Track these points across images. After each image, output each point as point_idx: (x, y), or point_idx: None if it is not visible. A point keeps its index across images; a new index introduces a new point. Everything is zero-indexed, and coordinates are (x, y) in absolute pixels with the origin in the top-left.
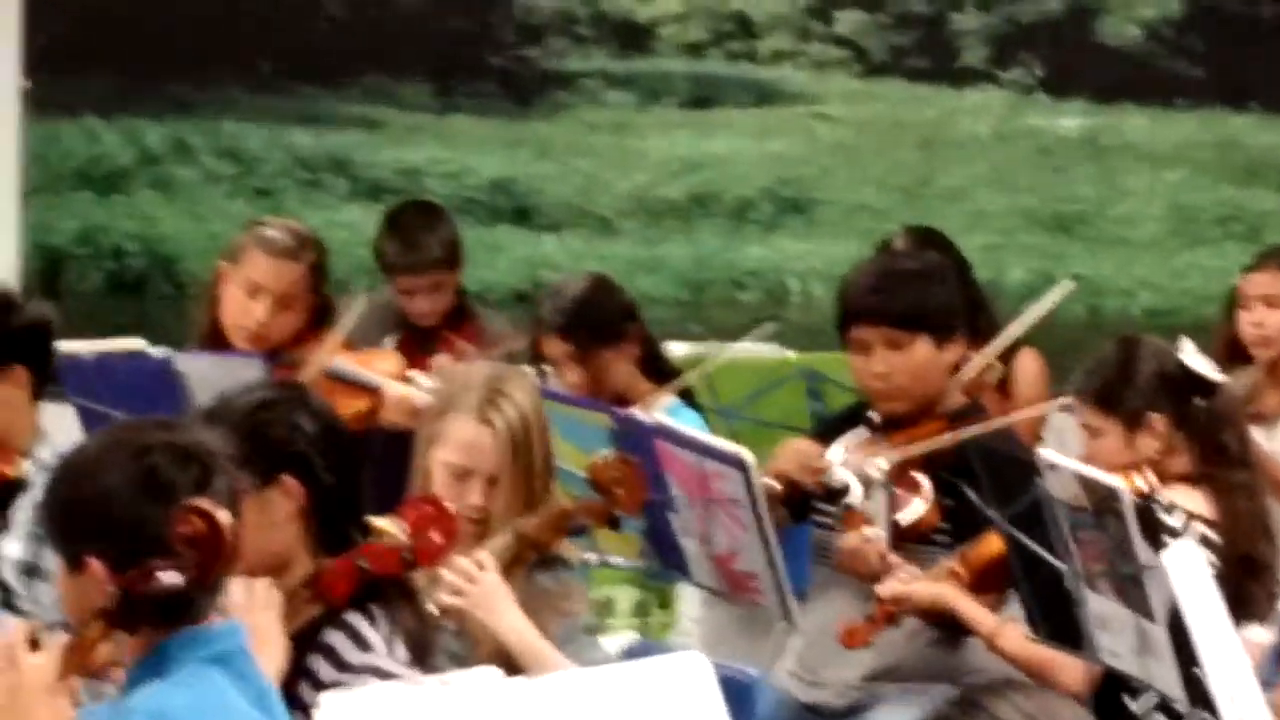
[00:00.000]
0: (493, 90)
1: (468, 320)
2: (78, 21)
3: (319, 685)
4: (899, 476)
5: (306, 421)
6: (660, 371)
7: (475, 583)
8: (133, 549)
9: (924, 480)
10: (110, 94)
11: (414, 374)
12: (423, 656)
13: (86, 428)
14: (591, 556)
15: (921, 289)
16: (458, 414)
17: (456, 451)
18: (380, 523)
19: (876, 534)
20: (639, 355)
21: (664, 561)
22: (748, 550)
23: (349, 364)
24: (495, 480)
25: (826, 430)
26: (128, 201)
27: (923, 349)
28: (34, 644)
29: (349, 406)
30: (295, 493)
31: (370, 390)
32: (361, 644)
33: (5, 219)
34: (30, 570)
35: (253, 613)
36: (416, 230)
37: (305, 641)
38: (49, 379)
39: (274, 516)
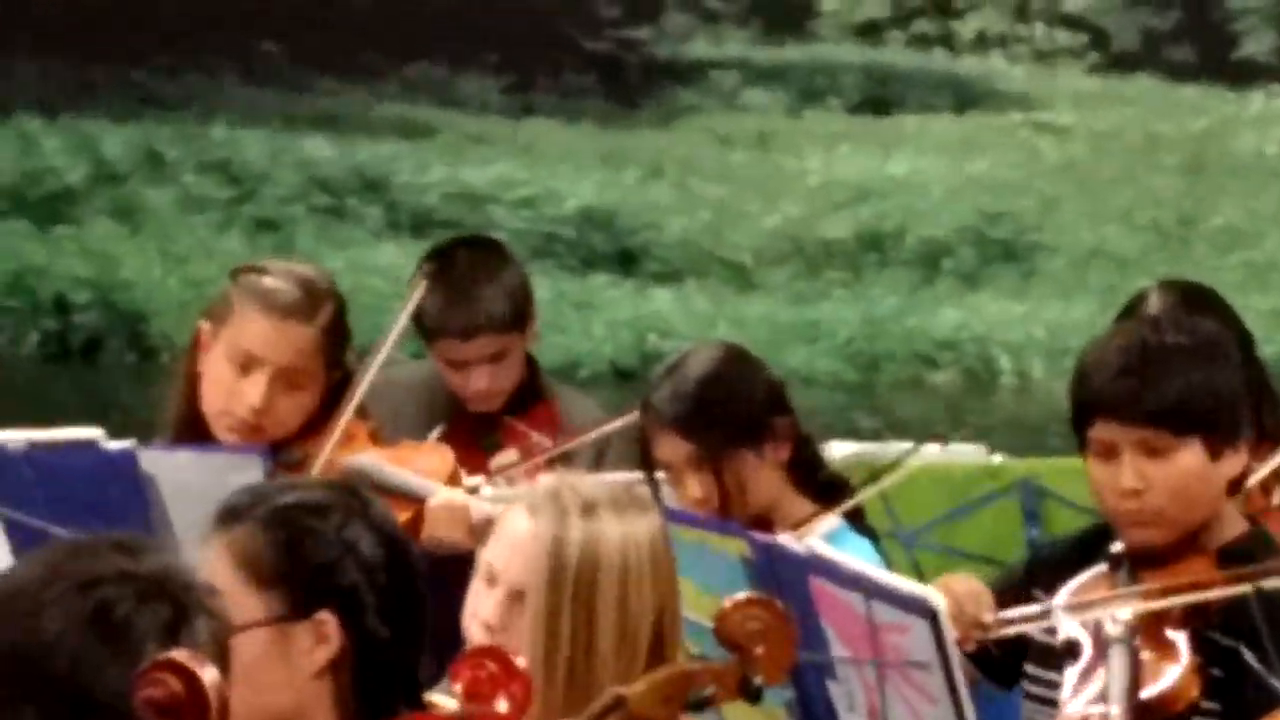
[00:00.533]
0: (587, 86)
1: (540, 403)
2: None
3: None
4: (1148, 633)
5: (366, 541)
6: (818, 483)
7: None
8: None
9: (1181, 640)
10: (54, 85)
11: (470, 479)
12: None
13: (16, 548)
14: None
15: (1193, 375)
16: (517, 508)
17: (493, 546)
18: (435, 698)
19: (1112, 713)
20: (788, 460)
21: None
22: None
23: (379, 462)
24: (520, 597)
25: (1045, 564)
26: (77, 234)
27: (1191, 458)
28: None
29: None
30: (331, 638)
31: (409, 498)
32: None
33: None
34: None
35: None
36: (470, 279)
37: None
38: None
39: (293, 665)
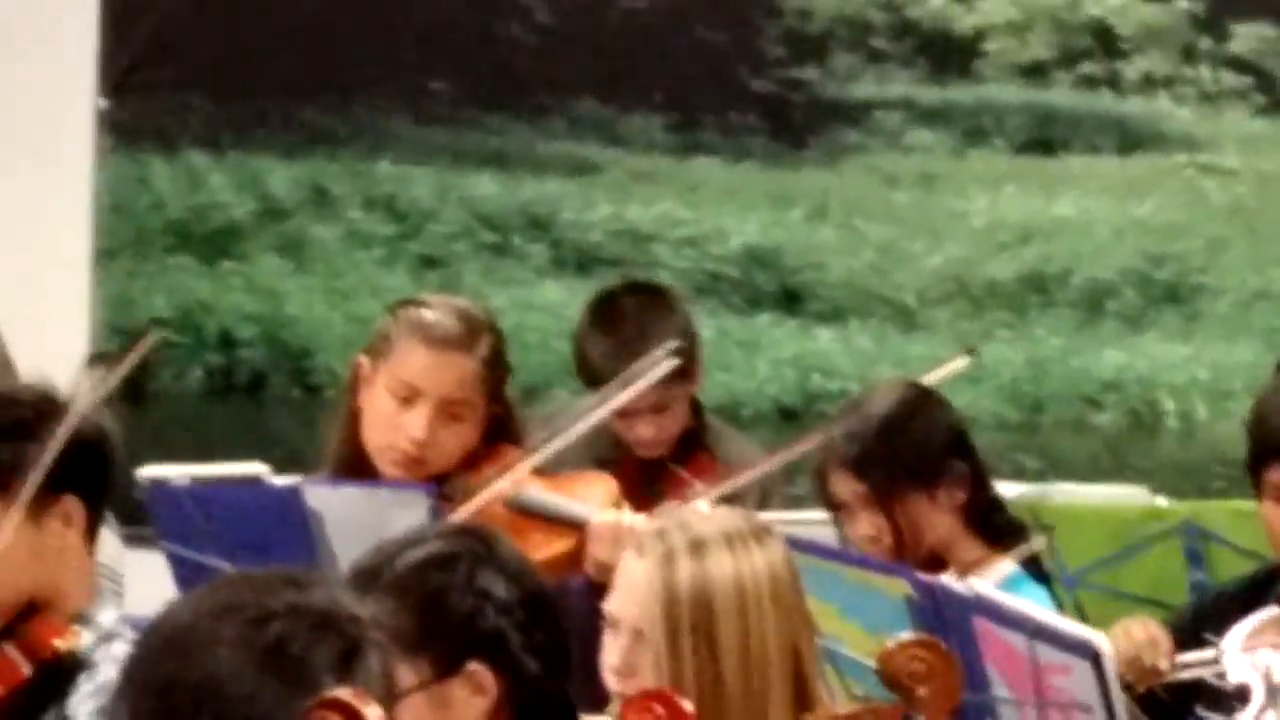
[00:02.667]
0: (752, 125)
1: (702, 450)
2: (176, 21)
3: None
4: None
5: (498, 585)
6: (995, 526)
7: None
8: None
9: None
10: (220, 120)
11: (633, 516)
12: None
13: (181, 583)
14: None
15: None
16: (631, 552)
17: (613, 594)
18: None
19: None
20: (965, 502)
21: None
22: None
23: (541, 490)
24: (641, 637)
25: (1214, 607)
26: (242, 269)
27: None
28: None
29: (544, 549)
30: (487, 685)
31: (572, 525)
32: None
33: (71, 288)
34: None
35: None
36: (636, 325)
37: None
38: (127, 515)
39: (457, 718)
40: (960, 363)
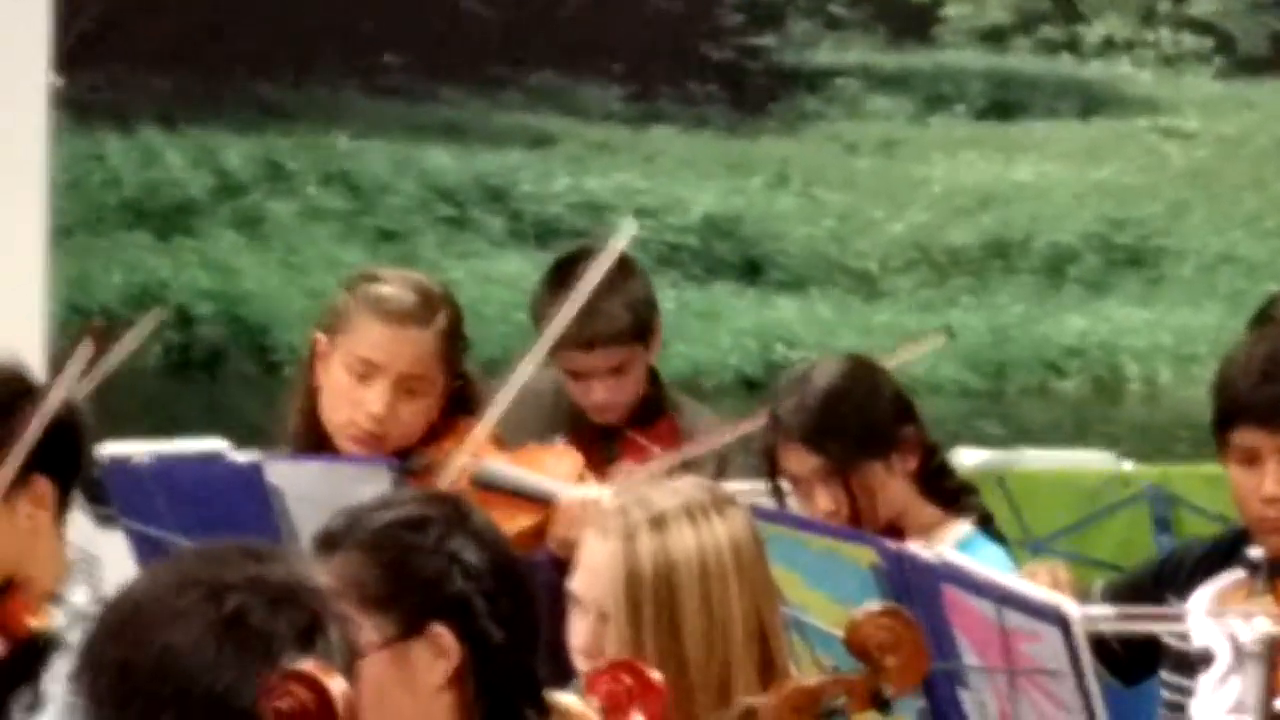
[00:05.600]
0: (710, 93)
1: (663, 417)
2: None
3: None
4: None
5: (468, 550)
6: (949, 492)
7: None
8: None
9: None
10: (175, 96)
11: (599, 487)
12: None
13: (142, 560)
14: None
15: None
16: (593, 530)
17: (576, 573)
18: (562, 699)
19: None
20: (916, 469)
21: None
22: None
23: (505, 465)
24: (606, 618)
25: (1178, 568)
26: (198, 246)
27: None
28: None
29: (509, 524)
30: (449, 649)
31: (537, 500)
32: None
33: (27, 267)
34: None
35: None
36: (594, 290)
37: None
38: (92, 494)
39: (417, 681)
40: (936, 340)
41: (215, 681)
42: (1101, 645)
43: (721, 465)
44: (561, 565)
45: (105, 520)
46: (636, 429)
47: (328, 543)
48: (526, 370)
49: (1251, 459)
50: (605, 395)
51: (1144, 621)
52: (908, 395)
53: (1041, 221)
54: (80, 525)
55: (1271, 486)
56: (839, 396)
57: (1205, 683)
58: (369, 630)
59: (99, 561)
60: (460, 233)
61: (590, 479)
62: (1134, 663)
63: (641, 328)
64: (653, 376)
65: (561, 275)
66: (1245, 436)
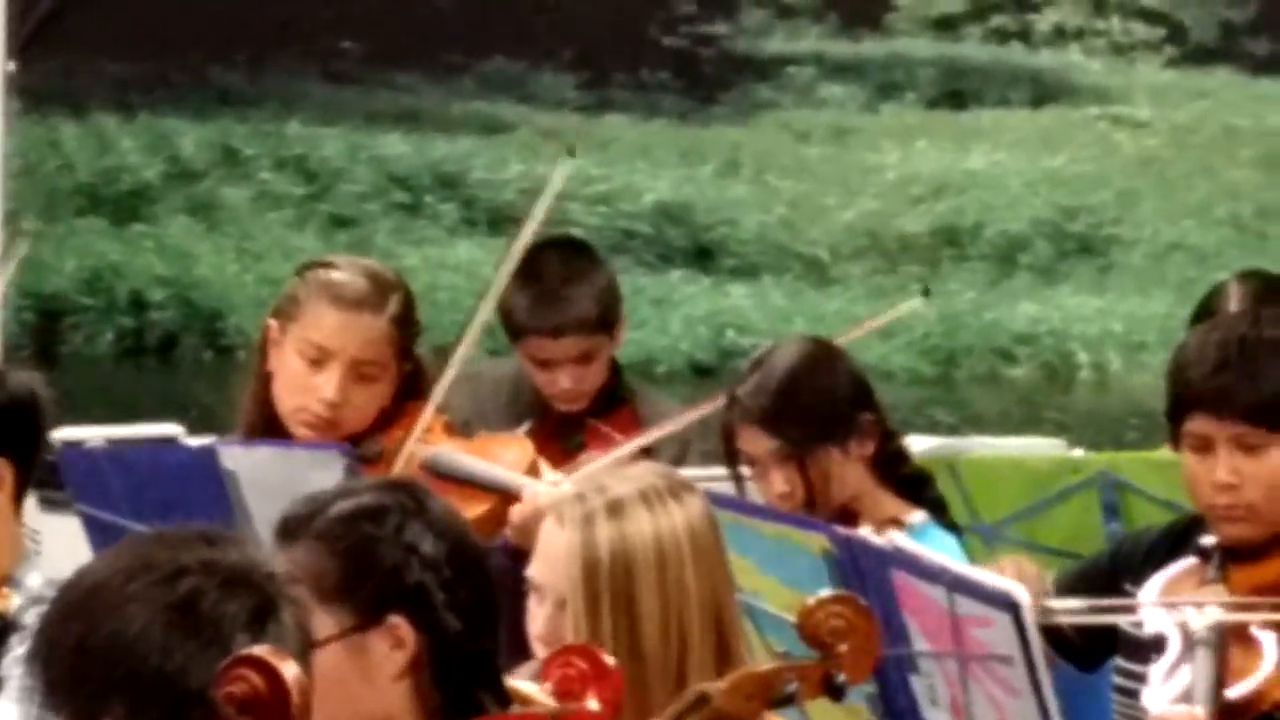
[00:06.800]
0: (663, 81)
1: (624, 405)
2: None
3: None
4: (1236, 631)
5: (426, 540)
6: (904, 479)
7: None
8: (165, 712)
9: (1270, 640)
10: (129, 82)
11: (552, 474)
12: None
13: (96, 545)
14: None
15: None
16: (551, 518)
17: (534, 561)
18: (518, 685)
19: (1194, 711)
20: (873, 455)
21: None
22: None
23: (458, 454)
24: (563, 606)
25: (1131, 555)
26: (152, 232)
27: None
28: None
29: (462, 512)
30: (406, 639)
31: (491, 490)
32: None
33: None
34: None
35: None
36: (561, 279)
37: None
38: (43, 479)
39: (374, 672)
40: (915, 303)
41: (166, 664)
42: (1057, 634)
43: (682, 450)
44: (518, 553)
45: (51, 505)
46: (599, 418)
47: (286, 532)
48: (470, 343)
49: (1204, 447)
50: (570, 383)
51: (1102, 614)
52: (866, 381)
53: (993, 210)
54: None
55: (1224, 474)
56: (797, 379)
57: (1156, 671)
58: (326, 621)
59: (40, 537)
60: (414, 219)
61: (542, 467)
62: (1092, 649)
63: (608, 318)
64: (613, 366)
65: (527, 266)
66: (1198, 425)
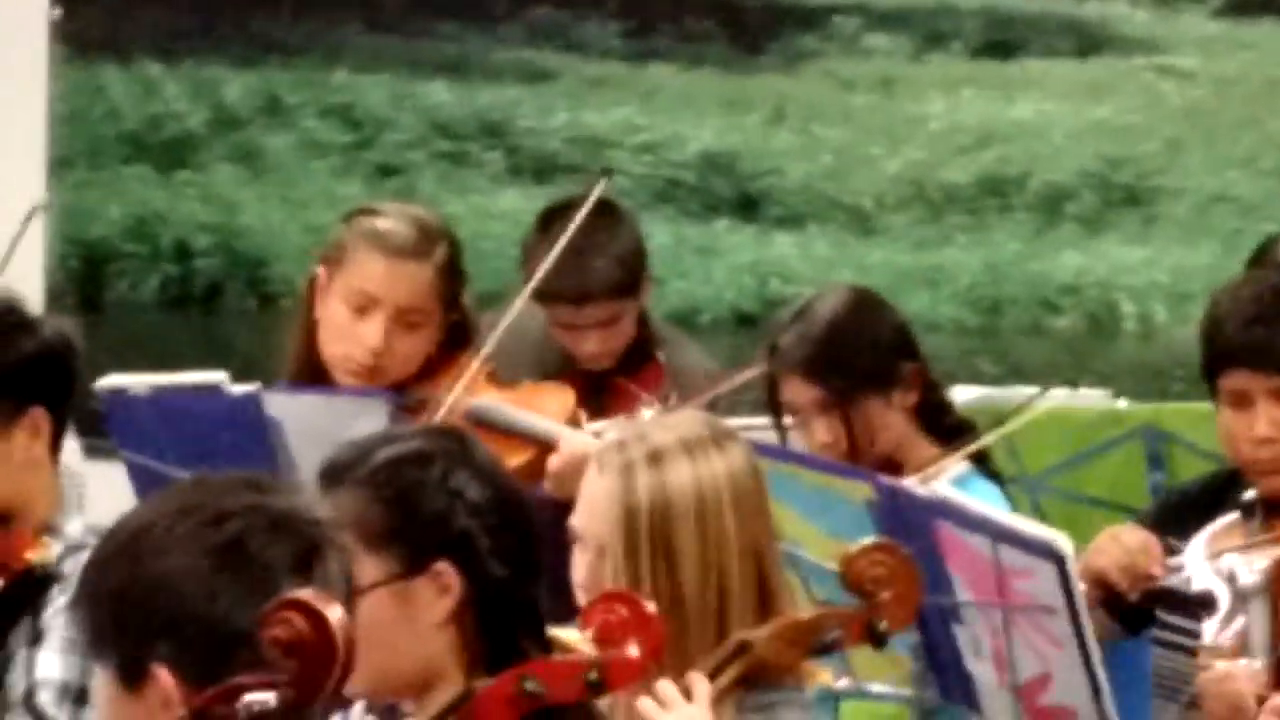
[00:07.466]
0: (708, 30)
1: (649, 363)
2: None
3: None
4: None
5: (471, 486)
6: (946, 427)
7: (674, 711)
8: (212, 654)
9: None
10: (174, 30)
11: (593, 424)
12: None
13: (140, 491)
14: (844, 683)
15: None
16: (593, 467)
17: (576, 509)
18: (558, 632)
19: (1252, 665)
20: (916, 404)
21: (944, 692)
22: (1063, 676)
23: (500, 404)
24: (604, 553)
25: (1175, 512)
26: (197, 180)
27: None
28: None
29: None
30: (452, 585)
31: (531, 441)
32: None
33: (26, 198)
34: (77, 695)
35: None
36: (584, 245)
37: None
38: (88, 426)
39: (418, 618)
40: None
41: (212, 607)
42: (1113, 594)
43: (712, 402)
44: (560, 504)
45: (96, 452)
46: (625, 375)
47: (331, 477)
48: (514, 312)
49: (1242, 402)
50: (595, 347)
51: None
52: (910, 330)
53: (1038, 160)
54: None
55: (1264, 428)
56: (841, 328)
57: (1208, 627)
58: (372, 567)
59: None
60: (459, 168)
61: (581, 417)
62: (1142, 610)
63: (632, 281)
64: (642, 321)
65: (548, 221)
66: (1235, 380)
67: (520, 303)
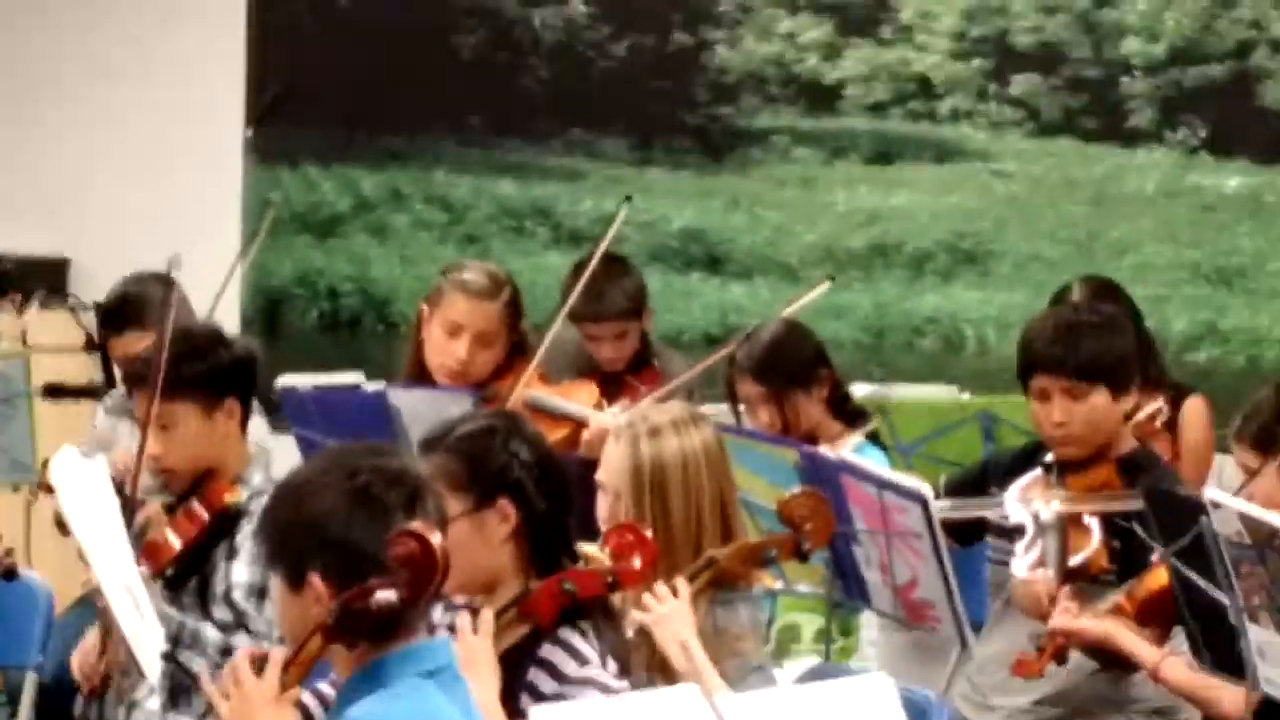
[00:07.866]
0: (687, 146)
1: (648, 367)
2: (299, 75)
3: (540, 697)
4: (1072, 519)
5: (523, 450)
6: (849, 413)
7: (665, 604)
8: (351, 566)
9: (1094, 525)
10: (328, 144)
11: (610, 407)
12: (625, 671)
13: (304, 455)
14: (780, 585)
15: (1102, 342)
16: (612, 437)
17: (601, 466)
18: (586, 548)
19: (1047, 575)
20: (828, 397)
21: (847, 590)
22: (927, 580)
23: (548, 395)
24: (619, 497)
25: (1000, 468)
26: (343, 245)
27: (1100, 399)
28: (258, 664)
29: (550, 435)
30: (511, 516)
31: (569, 420)
32: (579, 658)
33: (227, 261)
34: (261, 593)
35: (470, 638)
36: (602, 281)
37: (519, 657)
38: (271, 411)
39: (489, 538)
40: (823, 287)
41: (349, 534)
42: (949, 522)
43: (691, 395)
44: (587, 463)
45: (277, 428)
46: (631, 374)
47: (427, 445)
48: (555, 329)
49: (1044, 396)
50: (611, 353)
51: (976, 508)
52: (824, 347)
53: (909, 233)
54: (259, 427)
55: (1058, 415)
56: (778, 345)
57: (1019, 548)
58: (457, 504)
59: (272, 454)
60: (519, 238)
61: (605, 405)
62: (968, 531)
63: (635, 308)
64: (643, 338)
65: (579, 267)
66: (1039, 381)
67: (559, 324)
